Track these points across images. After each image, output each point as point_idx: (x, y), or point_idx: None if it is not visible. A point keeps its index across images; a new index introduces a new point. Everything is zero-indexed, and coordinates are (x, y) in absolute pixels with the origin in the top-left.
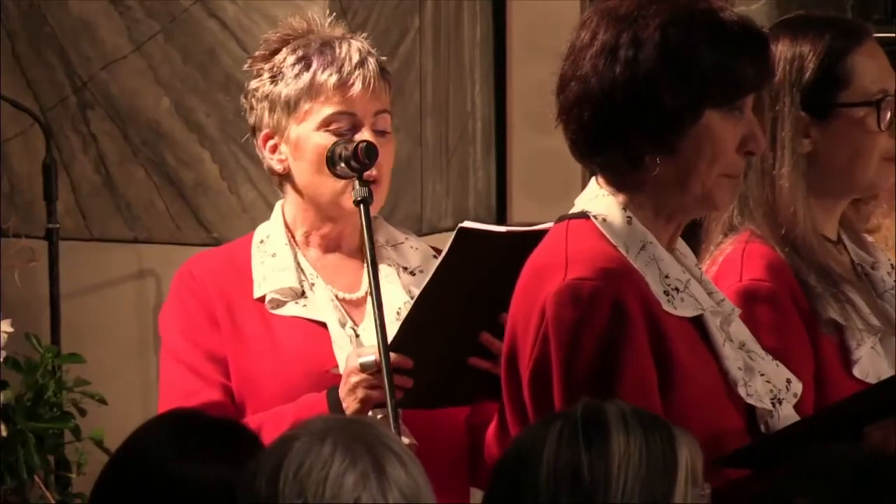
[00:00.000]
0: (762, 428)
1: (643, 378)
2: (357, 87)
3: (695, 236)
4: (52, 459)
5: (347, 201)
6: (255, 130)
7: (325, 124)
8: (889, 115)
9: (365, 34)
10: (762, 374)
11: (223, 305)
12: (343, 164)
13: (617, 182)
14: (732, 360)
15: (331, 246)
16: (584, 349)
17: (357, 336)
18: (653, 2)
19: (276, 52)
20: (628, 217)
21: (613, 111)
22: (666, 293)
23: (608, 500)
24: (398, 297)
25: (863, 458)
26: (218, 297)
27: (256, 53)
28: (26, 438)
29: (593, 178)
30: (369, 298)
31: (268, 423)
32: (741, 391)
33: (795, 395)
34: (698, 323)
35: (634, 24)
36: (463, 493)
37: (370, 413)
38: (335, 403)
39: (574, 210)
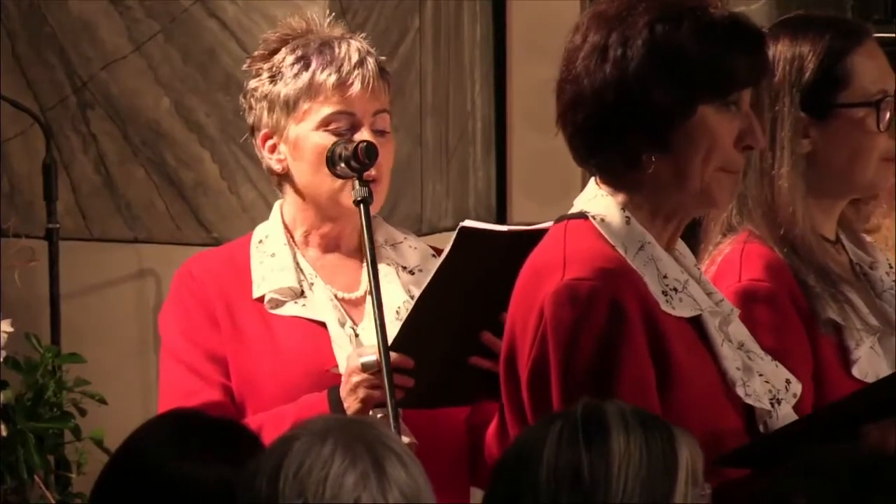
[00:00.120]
0: (761, 428)
1: (641, 378)
2: (356, 87)
3: (694, 236)
4: (52, 459)
5: (346, 200)
6: (253, 130)
7: (324, 124)
8: (888, 115)
9: (365, 34)
10: (761, 375)
11: (223, 305)
12: (343, 164)
13: (615, 182)
14: (731, 360)
15: (330, 246)
16: (582, 349)
17: (356, 336)
18: (642, 1)
19: (275, 51)
20: (627, 217)
21: (606, 111)
22: (664, 293)
23: (608, 500)
24: (397, 297)
25: (861, 458)
26: (218, 297)
27: (255, 53)
28: (26, 438)
29: (592, 179)
30: (368, 298)
31: (268, 424)
32: (739, 391)
33: (795, 395)
34: (697, 323)
35: (623, 23)
36: (463, 492)
37: (370, 413)
38: (336, 403)
39: (573, 210)
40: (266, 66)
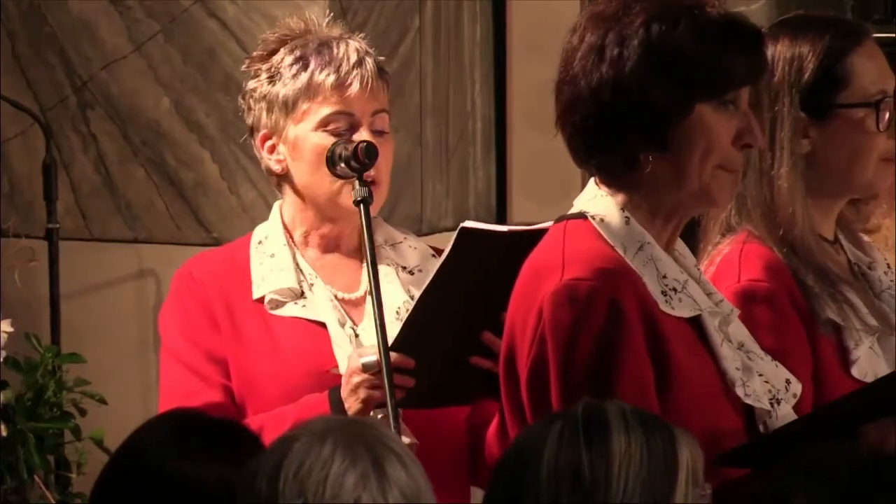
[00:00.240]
0: (760, 428)
1: (640, 378)
2: (355, 87)
3: (692, 237)
4: (52, 459)
5: (345, 201)
6: (252, 131)
7: (323, 124)
8: (888, 115)
9: (364, 34)
10: (761, 375)
11: (223, 306)
12: (343, 164)
13: (614, 182)
14: (730, 360)
15: (330, 246)
16: (580, 349)
17: (356, 336)
18: (638, 1)
19: (274, 52)
20: (626, 217)
21: (604, 111)
22: (663, 293)
23: (609, 500)
24: (397, 297)
25: (860, 457)
26: (217, 297)
27: (254, 54)
28: (26, 438)
29: (592, 179)
30: (368, 298)
31: (269, 424)
32: (739, 391)
33: (795, 395)
34: (696, 323)
35: (619, 23)
36: (463, 492)
37: (371, 413)
38: (337, 404)
39: (572, 211)
40: (265, 66)
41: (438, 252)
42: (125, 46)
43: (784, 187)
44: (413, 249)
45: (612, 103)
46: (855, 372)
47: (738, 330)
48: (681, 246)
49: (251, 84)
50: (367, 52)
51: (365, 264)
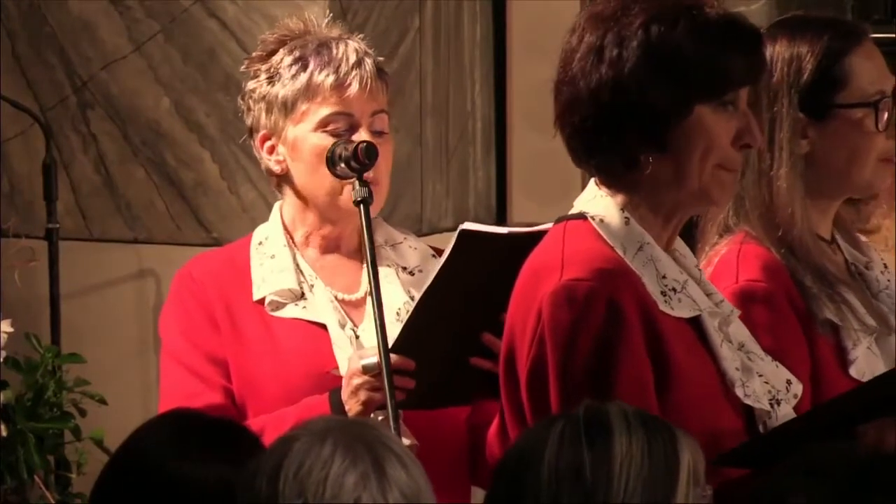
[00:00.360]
0: (760, 429)
1: (639, 378)
2: (354, 88)
3: (690, 237)
4: (52, 459)
5: (345, 202)
6: (252, 131)
7: (323, 125)
8: (887, 116)
9: (364, 34)
10: (761, 375)
11: (223, 307)
12: (343, 165)
13: (614, 183)
14: (730, 360)
15: (330, 247)
16: (579, 350)
17: (357, 337)
18: (637, 2)
19: (273, 52)
20: (626, 218)
21: (603, 112)
22: (663, 293)
23: (610, 501)
24: (397, 298)
25: (859, 457)
26: (218, 298)
27: (253, 54)
28: (26, 438)
29: (592, 180)
30: (369, 299)
31: (270, 426)
32: (739, 392)
33: (795, 395)
34: (696, 324)
35: (618, 23)
36: (464, 493)
37: (371, 415)
38: (337, 406)
39: (572, 211)
40: (264, 67)
41: (439, 252)
42: (125, 46)
43: (783, 188)
44: (413, 250)
45: (612, 104)
46: (853, 372)
47: (739, 330)
48: (682, 246)
49: (250, 84)
50: (366, 53)
51: (365, 265)
